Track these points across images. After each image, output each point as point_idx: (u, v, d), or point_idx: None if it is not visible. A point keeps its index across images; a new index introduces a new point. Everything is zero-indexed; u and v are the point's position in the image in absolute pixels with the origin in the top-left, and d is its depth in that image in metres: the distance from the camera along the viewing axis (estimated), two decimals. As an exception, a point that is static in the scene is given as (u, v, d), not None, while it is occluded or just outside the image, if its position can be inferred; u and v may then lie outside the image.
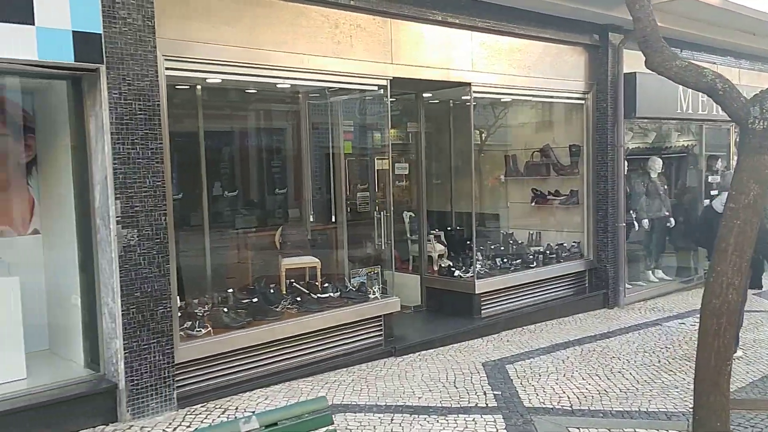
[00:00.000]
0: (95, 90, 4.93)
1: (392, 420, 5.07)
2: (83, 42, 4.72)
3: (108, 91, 4.86)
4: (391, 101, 7.03)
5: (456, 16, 7.22)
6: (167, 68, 5.28)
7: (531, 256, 8.68)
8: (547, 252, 8.92)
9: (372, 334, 6.81)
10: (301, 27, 6.15)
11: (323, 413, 2.85)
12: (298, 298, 6.60)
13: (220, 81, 6.39)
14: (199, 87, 6.85)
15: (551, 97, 8.84)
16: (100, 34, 4.80)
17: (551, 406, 5.36)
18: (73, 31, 4.68)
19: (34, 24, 4.52)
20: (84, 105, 5.08)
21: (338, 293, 6.84)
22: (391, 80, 6.82)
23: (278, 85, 6.96)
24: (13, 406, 4.67)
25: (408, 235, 8.89)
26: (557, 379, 6.00)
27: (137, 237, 5.03)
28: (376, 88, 6.92)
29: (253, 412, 5.13)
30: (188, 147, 6.98)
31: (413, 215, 8.85)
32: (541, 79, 8.34)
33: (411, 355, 6.76)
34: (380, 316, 6.85)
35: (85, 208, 5.25)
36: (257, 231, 8.01)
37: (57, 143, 5.58)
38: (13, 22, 4.44)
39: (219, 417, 5.15)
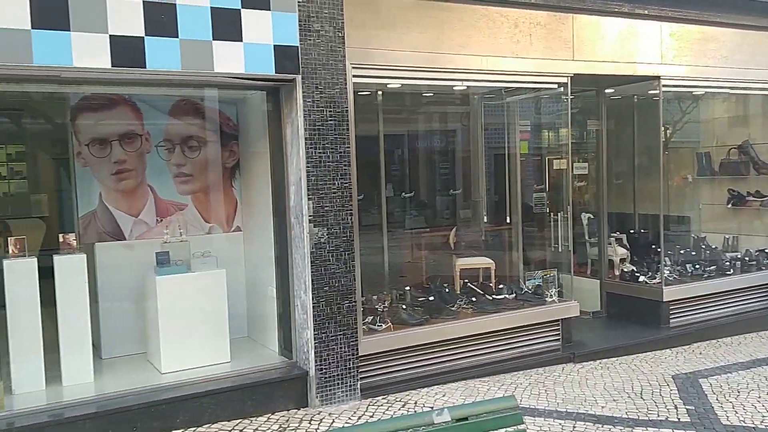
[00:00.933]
0: (291, 99, 5.33)
1: (574, 428, 4.93)
2: (282, 55, 5.13)
3: (303, 100, 5.23)
4: (570, 98, 6.84)
5: (644, 7, 6.87)
6: (354, 75, 5.56)
7: (727, 263, 7.99)
8: (746, 258, 8.14)
9: (549, 338, 6.66)
10: (481, 29, 6.17)
11: (513, 412, 2.85)
12: (473, 299, 6.65)
13: (399, 86, 6.61)
14: (379, 92, 7.14)
15: (751, 88, 8.11)
16: (297, 46, 5.19)
17: (753, 425, 4.89)
18: (275, 45, 5.10)
19: (241, 41, 4.99)
20: (281, 113, 5.52)
21: (513, 295, 6.78)
22: (571, 77, 6.64)
23: (455, 88, 7.03)
24: (222, 385, 5.21)
25: (586, 238, 8.55)
26: (759, 397, 5.46)
27: (327, 235, 5.37)
28: (555, 86, 6.77)
29: (431, 407, 5.26)
30: (369, 150, 7.29)
31: (592, 217, 8.49)
32: (739, 69, 7.68)
33: (591, 362, 6.52)
34: (558, 320, 6.69)
35: (281, 208, 5.69)
36: (431, 231, 8.18)
37: (256, 148, 6.13)
38: (226, 40, 4.94)
39: (399, 410, 5.33)
